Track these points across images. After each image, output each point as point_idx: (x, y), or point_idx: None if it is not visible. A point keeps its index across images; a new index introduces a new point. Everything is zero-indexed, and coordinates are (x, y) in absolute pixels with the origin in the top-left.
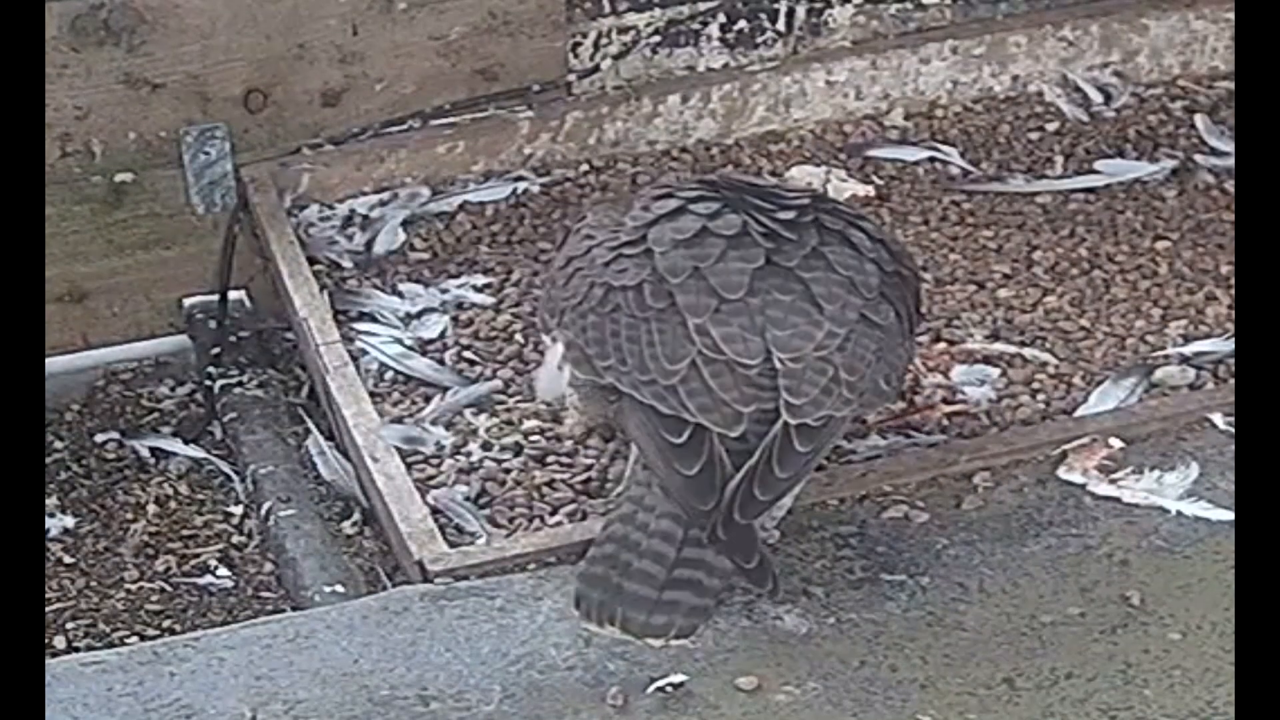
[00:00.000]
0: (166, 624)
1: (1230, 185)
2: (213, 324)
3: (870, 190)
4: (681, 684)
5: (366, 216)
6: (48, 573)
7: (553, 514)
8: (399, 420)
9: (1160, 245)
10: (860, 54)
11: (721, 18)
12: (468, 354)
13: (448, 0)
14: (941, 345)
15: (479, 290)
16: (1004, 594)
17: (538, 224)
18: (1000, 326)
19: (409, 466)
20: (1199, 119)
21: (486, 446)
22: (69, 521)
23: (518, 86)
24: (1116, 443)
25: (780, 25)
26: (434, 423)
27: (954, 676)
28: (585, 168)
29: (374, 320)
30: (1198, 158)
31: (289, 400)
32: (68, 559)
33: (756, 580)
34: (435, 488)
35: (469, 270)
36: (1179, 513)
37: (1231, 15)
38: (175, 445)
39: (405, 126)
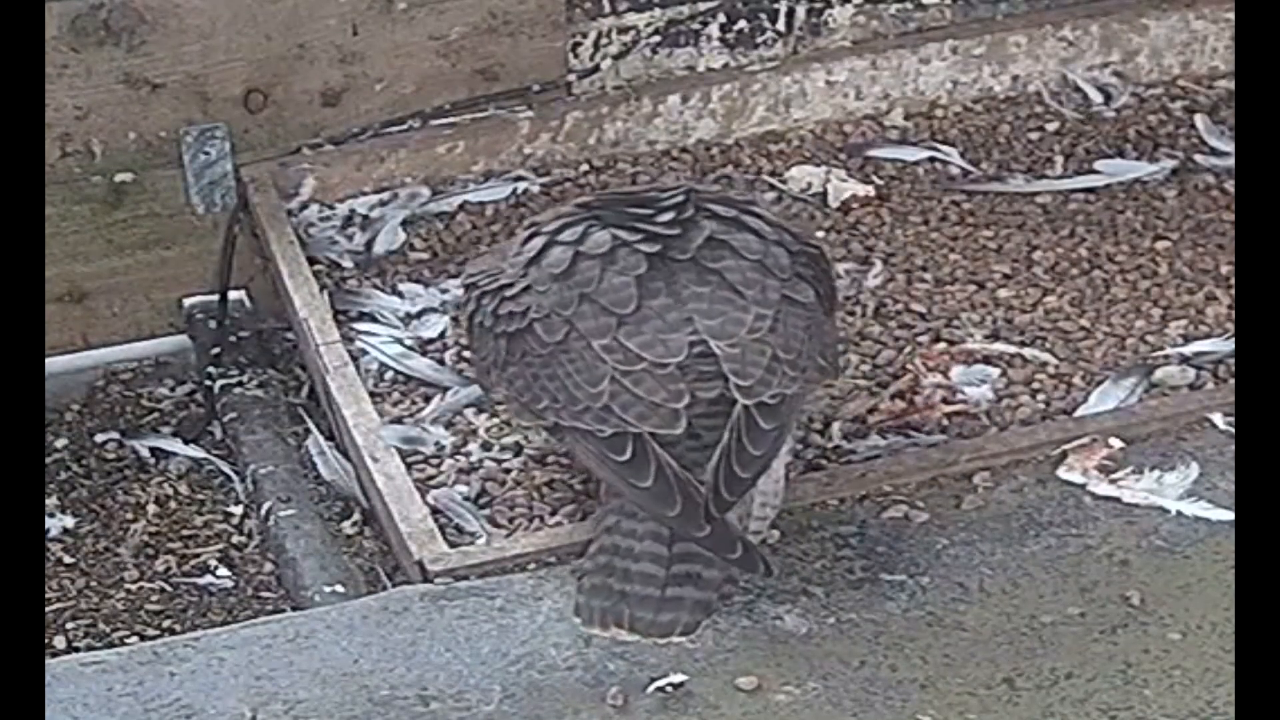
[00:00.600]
0: (166, 624)
1: (1230, 185)
2: (213, 324)
3: (870, 190)
4: (681, 684)
5: (366, 216)
6: (48, 573)
7: (553, 514)
8: (399, 420)
9: (1160, 245)
10: (860, 54)
11: (721, 18)
12: (468, 354)
13: (448, 0)
14: (941, 345)
15: None
16: (1004, 594)
17: None
18: (1000, 326)
19: (409, 466)
20: (1199, 119)
21: (486, 446)
22: (69, 521)
23: (518, 86)
24: (1116, 443)
25: (780, 25)
26: (434, 423)
27: (954, 676)
28: (585, 168)
29: (374, 320)
30: (1198, 158)
31: (289, 400)
32: (68, 559)
33: (747, 567)
34: (435, 488)
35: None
36: (1179, 513)
37: (1231, 15)
38: (175, 445)
39: (405, 126)
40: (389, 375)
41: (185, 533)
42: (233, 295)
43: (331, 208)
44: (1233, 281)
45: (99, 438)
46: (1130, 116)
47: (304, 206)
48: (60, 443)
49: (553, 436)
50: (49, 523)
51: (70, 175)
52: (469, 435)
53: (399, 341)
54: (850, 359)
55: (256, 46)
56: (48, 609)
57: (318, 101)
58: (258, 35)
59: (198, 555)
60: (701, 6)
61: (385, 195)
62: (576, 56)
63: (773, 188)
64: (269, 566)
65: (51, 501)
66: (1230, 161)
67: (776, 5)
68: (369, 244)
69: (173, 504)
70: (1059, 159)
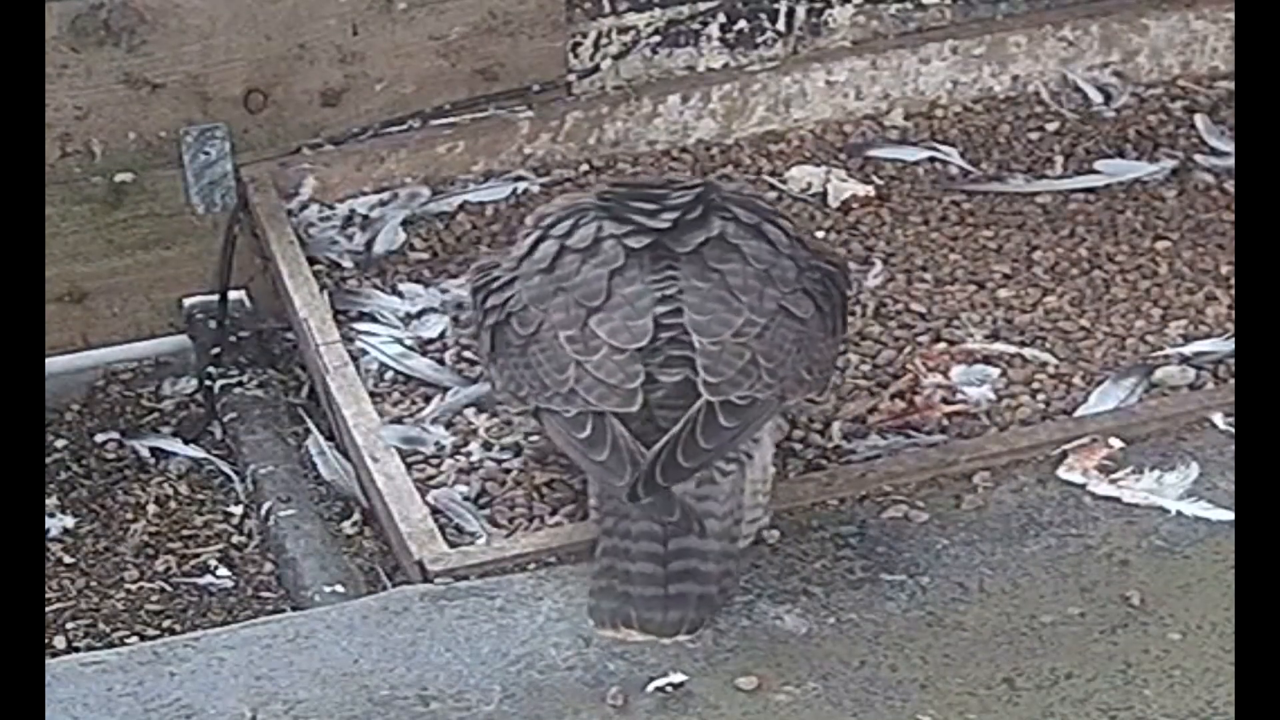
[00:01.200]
0: (166, 624)
1: (1230, 185)
2: (213, 324)
3: (870, 190)
4: (681, 684)
5: (366, 216)
6: (48, 573)
7: (553, 514)
8: (399, 420)
9: (1160, 245)
10: (860, 54)
11: (721, 18)
12: (468, 354)
13: (448, 0)
14: (941, 345)
15: None
16: (1004, 594)
17: None
18: (1000, 326)
19: (409, 466)
20: (1199, 119)
21: (486, 446)
22: (69, 521)
23: (518, 86)
24: (1116, 443)
25: (780, 25)
26: (434, 423)
27: (954, 676)
28: (585, 168)
29: (374, 320)
30: (1198, 158)
31: (289, 400)
32: (68, 559)
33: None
34: (435, 488)
35: (469, 270)
36: (1179, 513)
37: (1231, 15)
38: (175, 445)
39: (405, 126)
40: (389, 375)
41: (185, 533)
42: (233, 295)
43: (331, 208)
44: (1233, 281)
45: (99, 438)
46: (1130, 116)
47: (304, 206)
48: (60, 443)
49: (538, 422)
50: (49, 523)
51: (70, 175)
52: (469, 435)
53: (399, 341)
54: (850, 359)
55: (256, 46)
56: (48, 609)
57: (318, 101)
58: (258, 35)
59: (198, 555)
60: (701, 6)
61: (385, 195)
62: (576, 56)
63: (773, 188)
64: (269, 566)
65: (51, 501)
66: (1230, 161)
67: (776, 5)
68: (369, 244)
69: (173, 504)
70: (1059, 159)
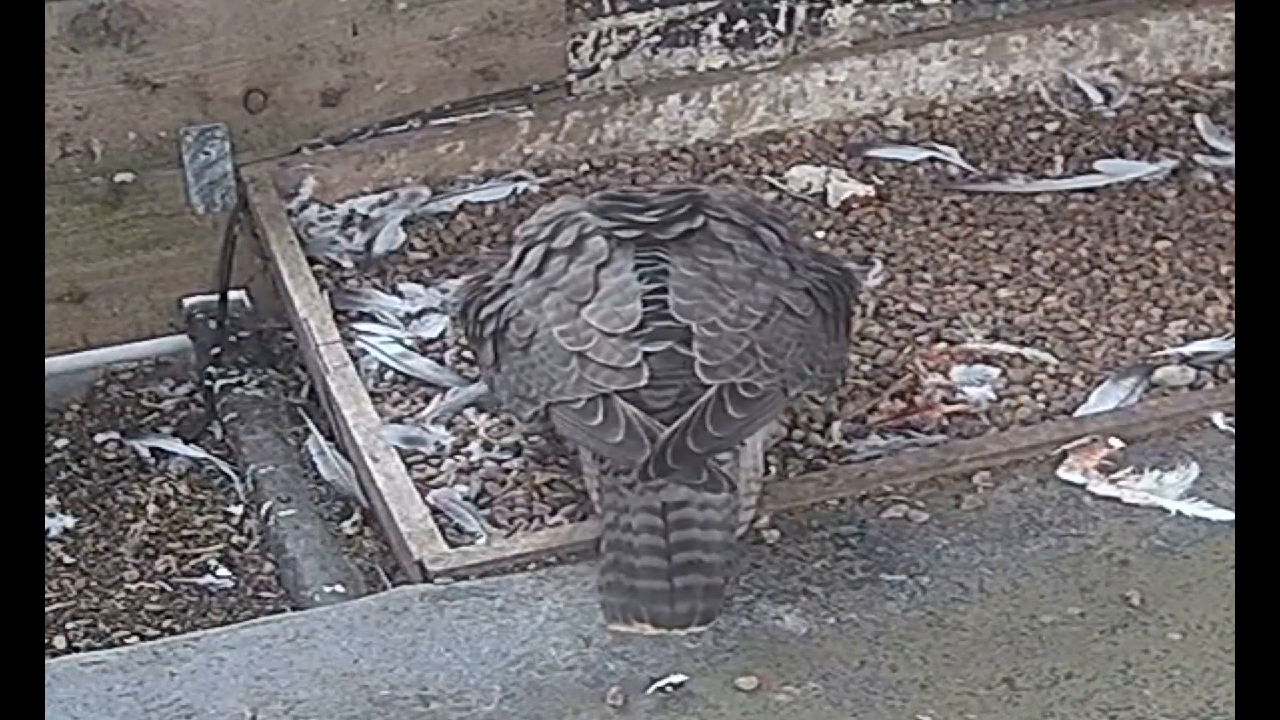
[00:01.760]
0: (166, 624)
1: (1230, 185)
2: (213, 324)
3: (870, 190)
4: (681, 684)
5: (366, 216)
6: (48, 573)
7: (553, 514)
8: (399, 420)
9: (1160, 245)
10: (860, 54)
11: (721, 18)
12: (468, 354)
13: (448, 0)
14: (941, 345)
15: None
16: (1004, 594)
17: None
18: (1000, 326)
19: (409, 466)
20: (1199, 119)
21: (486, 446)
22: (69, 521)
23: (518, 86)
24: (1116, 443)
25: (780, 25)
26: (434, 423)
27: (954, 676)
28: (585, 168)
29: (374, 320)
30: (1198, 158)
31: (289, 400)
32: (68, 559)
33: (713, 488)
34: (435, 488)
35: (469, 270)
36: (1179, 513)
37: (1231, 15)
38: (175, 445)
39: (405, 126)
40: (389, 375)
41: (185, 533)
42: (233, 295)
43: (331, 208)
44: (1233, 281)
45: (99, 438)
46: (1130, 116)
47: (304, 206)
48: (60, 443)
49: (548, 422)
50: (49, 523)
51: (70, 175)
52: (469, 435)
53: (399, 341)
54: (850, 359)
55: (256, 46)
56: (48, 609)
57: (318, 101)
58: (258, 35)
59: (198, 555)
60: (701, 6)
61: (385, 195)
62: (576, 56)
63: (773, 188)
64: (269, 566)
65: (51, 501)
66: (1230, 161)
67: (776, 5)
68: (369, 244)
69: (173, 504)
70: (1059, 159)
